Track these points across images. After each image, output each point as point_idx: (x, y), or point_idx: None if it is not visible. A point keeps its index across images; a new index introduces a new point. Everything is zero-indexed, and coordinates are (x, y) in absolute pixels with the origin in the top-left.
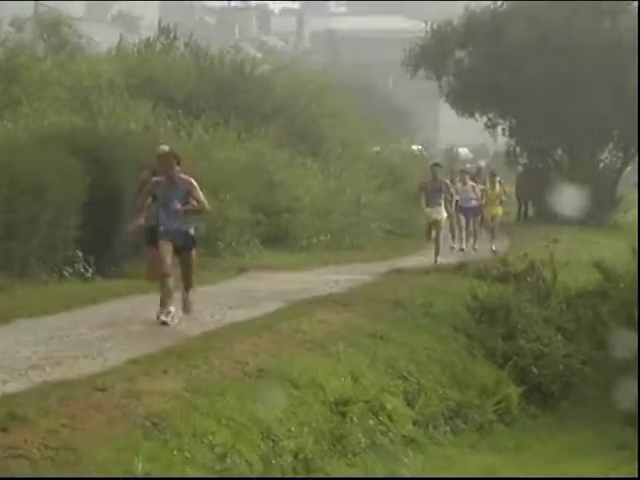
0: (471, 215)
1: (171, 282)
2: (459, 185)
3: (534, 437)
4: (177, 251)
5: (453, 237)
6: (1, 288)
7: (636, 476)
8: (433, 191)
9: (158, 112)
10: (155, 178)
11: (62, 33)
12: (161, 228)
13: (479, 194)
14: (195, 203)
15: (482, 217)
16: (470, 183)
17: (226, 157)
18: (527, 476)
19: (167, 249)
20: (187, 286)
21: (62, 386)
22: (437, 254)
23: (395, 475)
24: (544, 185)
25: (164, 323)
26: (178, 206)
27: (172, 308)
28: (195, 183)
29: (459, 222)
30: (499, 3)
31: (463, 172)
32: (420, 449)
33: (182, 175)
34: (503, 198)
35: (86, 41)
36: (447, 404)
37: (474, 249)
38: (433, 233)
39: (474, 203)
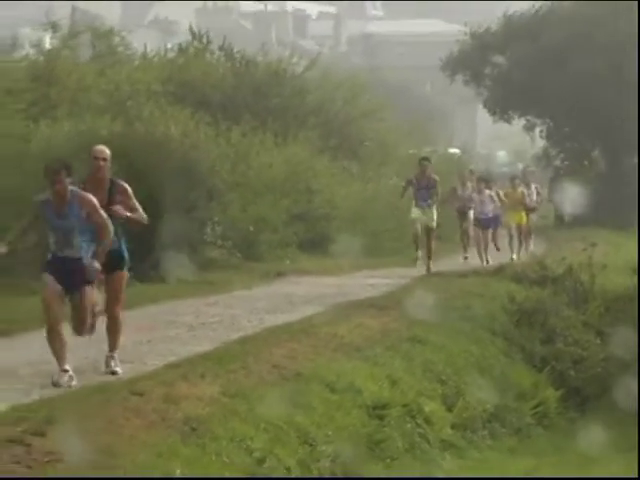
0: (492, 226)
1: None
2: (475, 195)
3: (572, 440)
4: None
5: (464, 247)
6: (33, 292)
7: (636, 476)
8: (421, 188)
9: (197, 118)
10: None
11: (112, 43)
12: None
13: (497, 202)
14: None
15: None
16: (487, 192)
17: (265, 162)
18: (531, 476)
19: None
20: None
21: (101, 390)
22: (429, 259)
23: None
24: (580, 188)
25: (114, 373)
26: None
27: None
28: (130, 190)
29: (475, 233)
30: (537, 6)
31: (479, 179)
32: (458, 453)
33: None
34: (531, 203)
35: (130, 50)
36: (485, 408)
37: (486, 261)
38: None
39: (492, 213)
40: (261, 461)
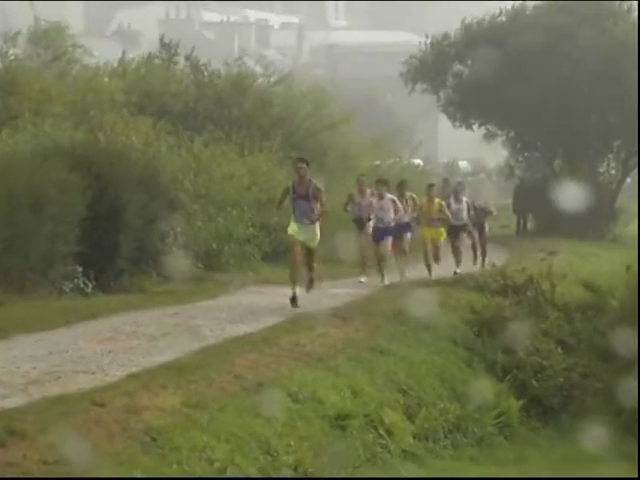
0: (395, 233)
1: None
2: (374, 201)
3: (534, 450)
4: None
5: (363, 266)
6: (0, 303)
7: (636, 476)
8: (299, 198)
9: (159, 128)
10: None
11: (57, 44)
12: None
13: (399, 208)
14: None
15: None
16: (389, 196)
17: (227, 173)
18: (527, 476)
19: None
20: None
21: (61, 401)
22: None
23: None
24: (542, 198)
25: None
26: None
27: None
28: None
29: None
30: (497, 14)
31: (378, 182)
32: (420, 463)
33: None
34: (447, 215)
35: (83, 52)
36: (447, 418)
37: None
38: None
39: (395, 222)
40: (222, 471)
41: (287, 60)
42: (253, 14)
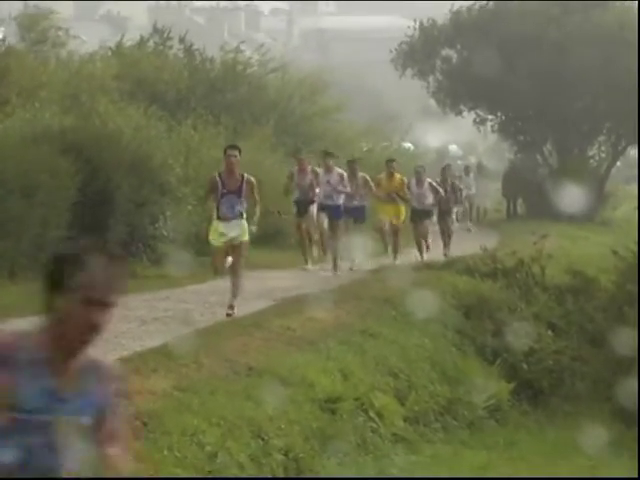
0: (343, 216)
1: None
2: (320, 172)
3: (525, 433)
4: None
5: (303, 254)
6: None
7: (636, 476)
8: (230, 193)
9: (150, 114)
10: None
11: (40, 27)
12: None
13: (346, 185)
14: None
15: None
16: (337, 170)
17: (217, 157)
18: (527, 476)
19: None
20: None
21: None
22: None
23: (386, 475)
24: (533, 181)
25: None
26: None
27: None
28: None
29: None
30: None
31: (325, 154)
32: (410, 446)
33: None
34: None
35: (70, 36)
36: (437, 401)
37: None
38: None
39: (342, 200)
40: (213, 455)
41: (277, 45)
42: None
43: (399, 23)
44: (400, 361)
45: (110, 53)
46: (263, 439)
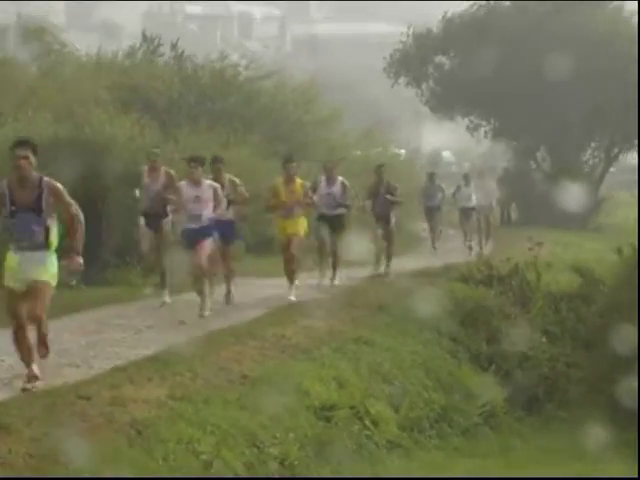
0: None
1: None
2: (184, 186)
3: (520, 440)
4: None
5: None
6: None
7: (636, 476)
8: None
9: (142, 123)
10: None
11: (45, 40)
12: None
13: (221, 199)
14: None
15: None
16: (207, 182)
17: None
18: (526, 476)
19: None
20: None
21: (46, 395)
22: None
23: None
24: (526, 187)
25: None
26: None
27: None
28: None
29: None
30: (477, 6)
31: (191, 159)
32: (405, 453)
33: None
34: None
35: (69, 49)
36: (432, 408)
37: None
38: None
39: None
40: (208, 464)
41: (270, 51)
42: (236, 7)
43: (391, 29)
44: (394, 368)
45: (102, 62)
46: (258, 447)
